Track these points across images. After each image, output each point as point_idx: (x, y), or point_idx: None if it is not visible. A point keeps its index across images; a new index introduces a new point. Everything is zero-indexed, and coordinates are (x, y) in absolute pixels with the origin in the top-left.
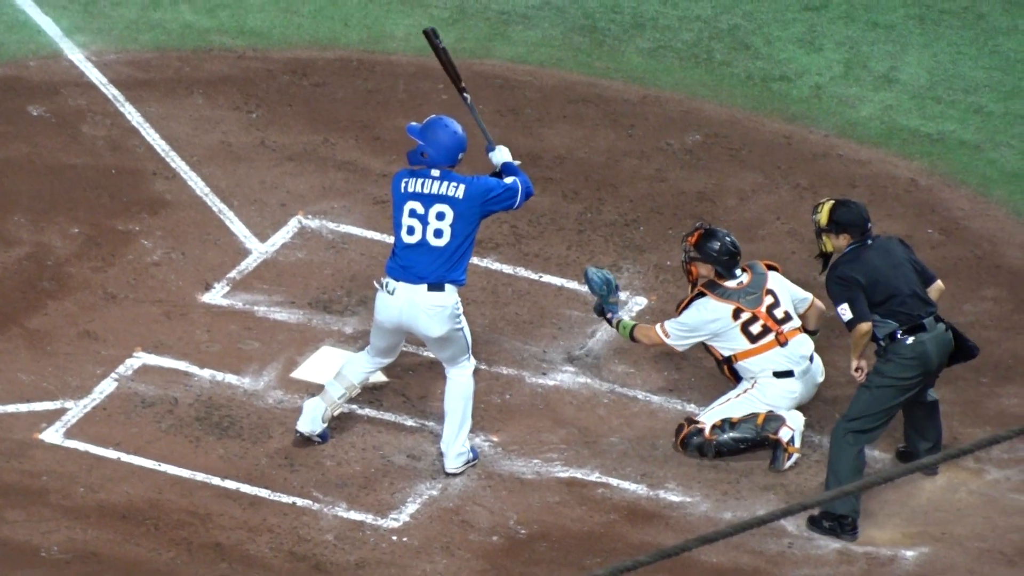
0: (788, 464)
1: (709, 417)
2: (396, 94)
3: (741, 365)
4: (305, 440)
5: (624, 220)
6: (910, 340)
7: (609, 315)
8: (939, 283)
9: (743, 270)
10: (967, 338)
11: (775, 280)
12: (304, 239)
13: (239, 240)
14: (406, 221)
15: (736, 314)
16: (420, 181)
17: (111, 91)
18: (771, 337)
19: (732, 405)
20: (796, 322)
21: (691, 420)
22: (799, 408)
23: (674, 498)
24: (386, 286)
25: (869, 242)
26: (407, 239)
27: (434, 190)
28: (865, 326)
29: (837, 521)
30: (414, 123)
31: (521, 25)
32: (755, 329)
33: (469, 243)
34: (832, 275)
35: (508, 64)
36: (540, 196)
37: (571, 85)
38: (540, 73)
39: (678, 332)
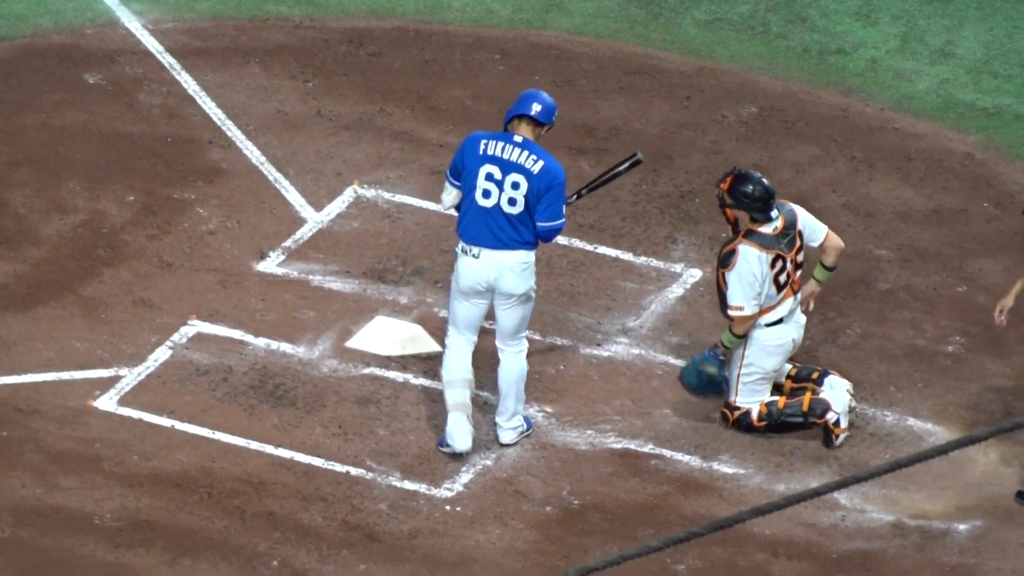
0: (838, 443)
1: (744, 402)
2: (452, 64)
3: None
4: (464, 456)
5: (679, 192)
6: None
7: (721, 355)
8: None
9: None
10: None
11: (803, 217)
12: (359, 209)
13: (294, 209)
14: (482, 184)
15: (774, 262)
16: (501, 145)
17: (167, 59)
18: (788, 287)
19: (747, 386)
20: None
21: (729, 405)
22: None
23: (727, 470)
24: (468, 251)
25: None
26: (482, 202)
27: (513, 157)
28: None
29: None
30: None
31: None
32: (783, 278)
33: None
34: None
35: (564, 35)
36: (596, 167)
37: (627, 57)
38: (596, 44)
39: (744, 297)
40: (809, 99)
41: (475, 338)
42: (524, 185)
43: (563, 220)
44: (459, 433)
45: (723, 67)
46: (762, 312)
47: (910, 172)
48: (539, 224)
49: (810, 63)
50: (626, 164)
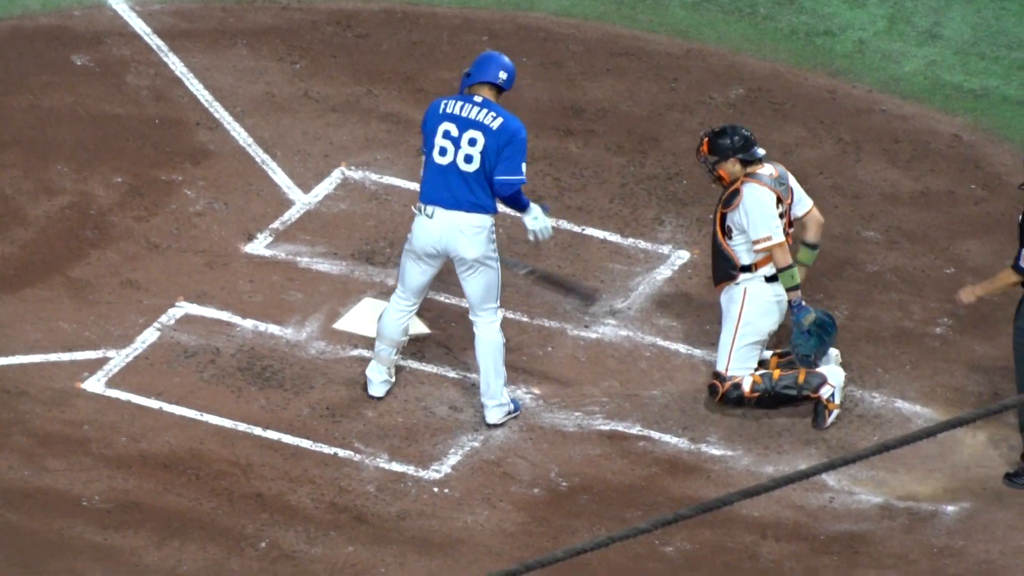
0: (830, 421)
1: (736, 371)
2: (440, 46)
3: (758, 273)
4: (374, 400)
5: (667, 173)
6: None
7: (800, 301)
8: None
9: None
10: None
11: (793, 180)
12: (347, 190)
13: (282, 191)
14: (439, 142)
15: (778, 203)
16: (460, 104)
17: (155, 41)
18: (785, 237)
19: (740, 350)
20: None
21: (719, 376)
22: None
23: (716, 452)
24: (423, 210)
25: None
26: (439, 160)
27: (471, 115)
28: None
29: None
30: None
31: None
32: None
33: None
34: None
35: (552, 17)
36: (583, 149)
37: (614, 38)
38: (583, 26)
39: (766, 225)
40: (796, 81)
41: (418, 302)
42: (481, 141)
43: (522, 177)
44: (375, 381)
45: (710, 49)
46: (759, 264)
47: (897, 154)
48: (496, 178)
49: (797, 44)
50: (578, 294)
